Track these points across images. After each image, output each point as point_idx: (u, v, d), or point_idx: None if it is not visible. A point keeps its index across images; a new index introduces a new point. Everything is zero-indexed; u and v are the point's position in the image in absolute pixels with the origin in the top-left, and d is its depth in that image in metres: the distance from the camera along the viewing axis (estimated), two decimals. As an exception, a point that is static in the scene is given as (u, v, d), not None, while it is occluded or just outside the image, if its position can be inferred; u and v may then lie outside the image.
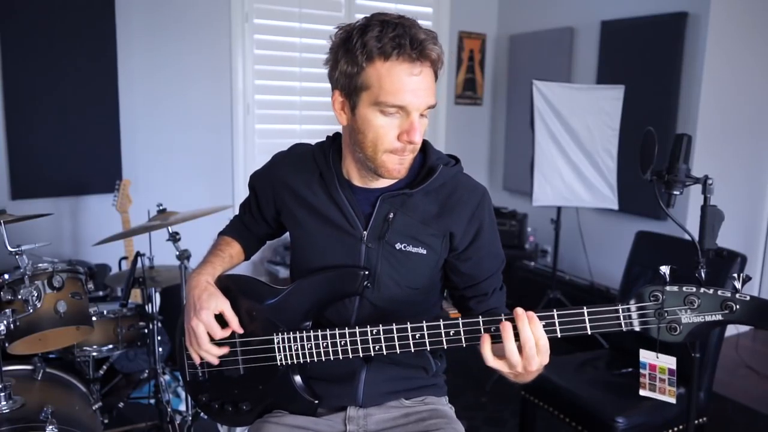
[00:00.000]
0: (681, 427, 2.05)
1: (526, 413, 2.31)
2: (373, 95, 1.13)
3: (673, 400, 1.67)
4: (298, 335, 1.25)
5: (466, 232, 1.27)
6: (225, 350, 1.28)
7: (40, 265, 1.84)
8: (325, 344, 1.22)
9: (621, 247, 2.79)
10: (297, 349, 1.25)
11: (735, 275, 1.02)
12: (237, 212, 1.55)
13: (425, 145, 1.30)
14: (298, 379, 1.29)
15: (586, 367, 2.30)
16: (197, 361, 1.31)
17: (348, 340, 1.20)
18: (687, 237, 1.61)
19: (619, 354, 2.37)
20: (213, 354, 1.27)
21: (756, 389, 3.15)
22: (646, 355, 1.78)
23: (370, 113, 1.15)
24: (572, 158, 3.19)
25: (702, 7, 3.30)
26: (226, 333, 1.27)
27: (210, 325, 1.25)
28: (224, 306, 1.27)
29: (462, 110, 4.61)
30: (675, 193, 1.61)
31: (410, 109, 1.13)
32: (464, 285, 1.33)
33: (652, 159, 1.59)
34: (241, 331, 1.28)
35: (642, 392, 1.80)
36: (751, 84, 3.53)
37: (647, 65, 3.52)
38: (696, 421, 2.03)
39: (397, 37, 1.09)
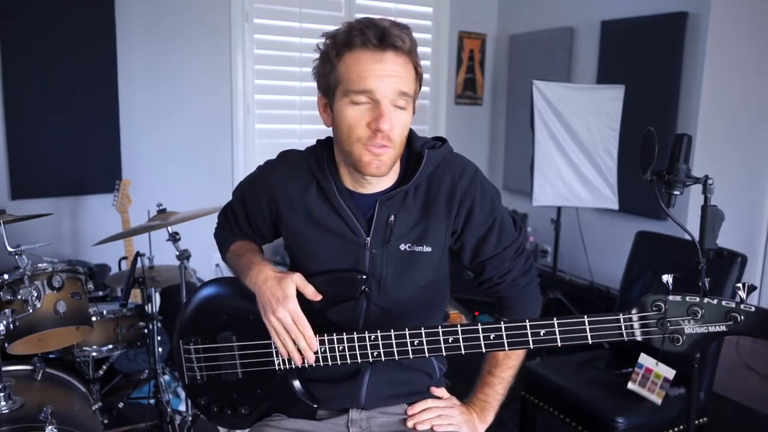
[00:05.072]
0: (681, 427, 2.05)
1: (526, 413, 2.31)
2: (344, 87, 1.14)
3: (658, 401, 1.66)
4: None
5: (458, 213, 1.25)
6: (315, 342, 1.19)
7: (39, 265, 1.84)
8: (323, 349, 1.19)
9: (621, 247, 2.79)
10: None
11: (739, 285, 0.98)
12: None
13: (410, 136, 1.26)
14: (296, 383, 1.28)
15: (586, 367, 2.30)
16: (296, 358, 1.19)
17: (346, 345, 1.18)
18: (687, 237, 1.61)
19: (619, 354, 2.37)
20: (309, 338, 1.17)
21: (756, 389, 3.14)
22: (645, 359, 1.79)
23: (343, 106, 1.15)
24: (572, 158, 3.19)
25: (702, 7, 3.29)
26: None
27: (296, 313, 1.16)
28: (297, 278, 1.19)
29: (462, 110, 4.61)
30: (675, 193, 1.61)
31: (377, 96, 1.12)
32: (474, 262, 1.31)
33: (652, 159, 1.59)
34: (318, 298, 1.20)
35: (630, 385, 1.80)
36: (751, 84, 3.52)
37: (647, 65, 3.52)
38: (696, 421, 2.02)
39: (362, 28, 1.11)
